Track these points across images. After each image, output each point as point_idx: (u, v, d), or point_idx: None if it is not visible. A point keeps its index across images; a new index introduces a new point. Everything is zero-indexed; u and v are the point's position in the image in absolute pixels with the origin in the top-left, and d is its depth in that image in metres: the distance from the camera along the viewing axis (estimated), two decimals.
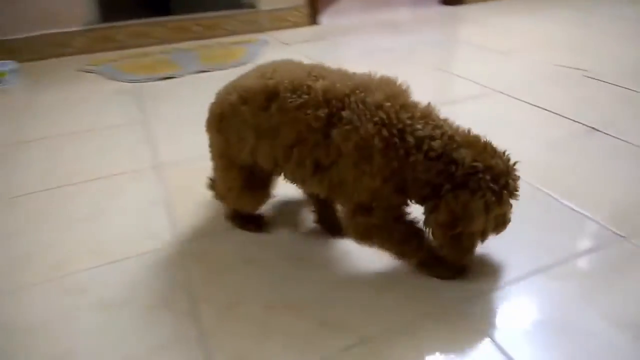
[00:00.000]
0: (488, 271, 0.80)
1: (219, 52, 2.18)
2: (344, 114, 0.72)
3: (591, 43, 2.05)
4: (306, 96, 0.74)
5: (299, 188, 0.87)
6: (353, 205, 0.75)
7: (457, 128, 0.74)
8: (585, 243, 0.86)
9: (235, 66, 1.94)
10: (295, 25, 2.59)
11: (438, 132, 0.71)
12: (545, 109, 1.39)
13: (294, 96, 0.74)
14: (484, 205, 0.70)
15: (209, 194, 0.98)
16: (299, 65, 0.83)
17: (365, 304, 0.75)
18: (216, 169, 0.89)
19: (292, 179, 0.81)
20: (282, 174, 0.82)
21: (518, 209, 0.76)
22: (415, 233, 0.76)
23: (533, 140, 1.23)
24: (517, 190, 0.73)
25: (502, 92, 1.54)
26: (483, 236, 0.75)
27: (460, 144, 0.71)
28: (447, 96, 1.57)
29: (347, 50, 2.17)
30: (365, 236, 0.77)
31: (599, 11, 2.58)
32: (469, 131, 0.74)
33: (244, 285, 0.79)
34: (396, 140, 0.70)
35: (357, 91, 0.73)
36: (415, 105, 0.74)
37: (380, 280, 0.80)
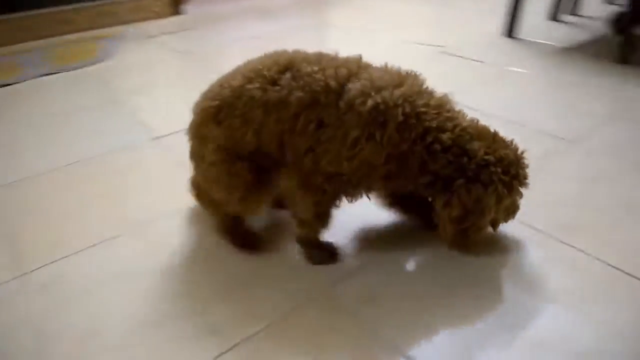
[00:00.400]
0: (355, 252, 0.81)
1: (71, 51, 1.96)
2: (365, 75, 0.70)
3: (451, 20, 2.19)
4: (325, 62, 0.72)
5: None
6: (326, 173, 0.70)
7: (471, 120, 0.73)
8: None
9: (87, 65, 1.75)
10: (159, 15, 2.42)
11: (450, 124, 0.69)
12: None
13: (311, 64, 0.72)
14: (495, 199, 0.69)
15: None
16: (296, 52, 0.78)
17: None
18: (210, 171, 0.77)
19: (291, 157, 0.73)
20: (282, 163, 0.74)
21: None
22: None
23: None
24: (526, 178, 0.72)
25: None
26: (494, 226, 0.76)
27: (472, 135, 0.69)
28: None
29: (217, 40, 2.08)
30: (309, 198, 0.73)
31: None
32: (477, 122, 0.73)
33: None
34: (413, 122, 0.67)
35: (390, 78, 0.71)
36: (430, 94, 0.72)
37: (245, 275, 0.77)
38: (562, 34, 1.85)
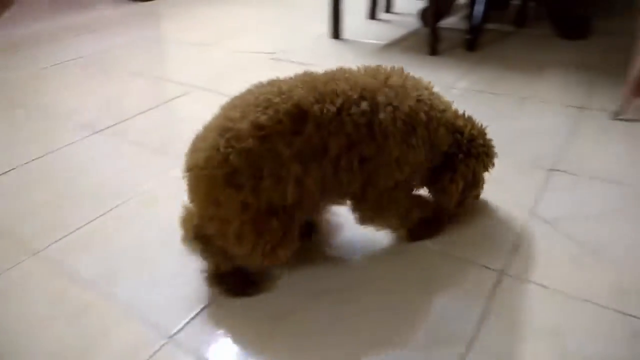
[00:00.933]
0: None
1: None
2: (380, 99, 0.70)
3: (281, 26, 2.21)
4: (339, 100, 0.68)
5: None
6: (392, 183, 0.72)
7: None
8: None
9: None
10: None
11: (441, 106, 0.76)
12: None
13: (326, 106, 0.67)
14: (483, 169, 0.81)
15: None
16: (276, 82, 0.74)
17: None
18: (234, 230, 0.66)
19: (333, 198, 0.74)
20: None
21: None
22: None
23: None
24: (493, 149, 0.83)
25: (203, 88, 1.51)
26: (478, 196, 0.86)
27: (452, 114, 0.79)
28: (147, 102, 1.45)
29: (32, 64, 1.81)
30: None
31: None
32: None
33: None
34: (432, 114, 0.73)
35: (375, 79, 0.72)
36: (418, 81, 0.77)
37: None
38: (381, 31, 1.98)
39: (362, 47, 1.81)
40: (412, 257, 0.78)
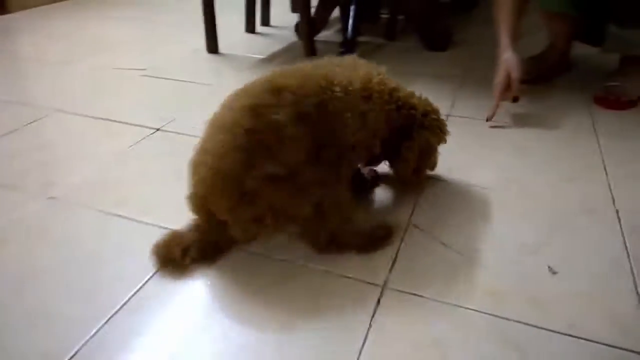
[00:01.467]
0: None
1: None
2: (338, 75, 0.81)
3: (154, 40, 2.07)
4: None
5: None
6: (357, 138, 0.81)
7: None
8: None
9: None
10: None
11: (394, 84, 0.87)
12: (108, 119, 1.30)
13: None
14: (438, 140, 0.91)
15: None
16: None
17: None
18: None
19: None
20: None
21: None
22: None
23: (97, 158, 1.11)
24: (446, 125, 0.93)
25: (63, 110, 1.35)
26: (433, 167, 0.96)
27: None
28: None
29: None
30: None
31: (164, 8, 2.67)
32: None
33: None
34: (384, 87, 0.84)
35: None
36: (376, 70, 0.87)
37: None
38: (259, 45, 1.96)
39: (240, 61, 1.76)
40: (297, 279, 0.75)
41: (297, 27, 1.96)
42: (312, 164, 0.74)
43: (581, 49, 1.53)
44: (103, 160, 1.10)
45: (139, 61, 1.74)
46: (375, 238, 0.81)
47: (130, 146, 1.16)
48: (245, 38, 2.07)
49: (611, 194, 0.94)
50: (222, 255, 0.79)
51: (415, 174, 0.91)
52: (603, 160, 1.05)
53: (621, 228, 0.84)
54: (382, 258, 0.79)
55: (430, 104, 0.92)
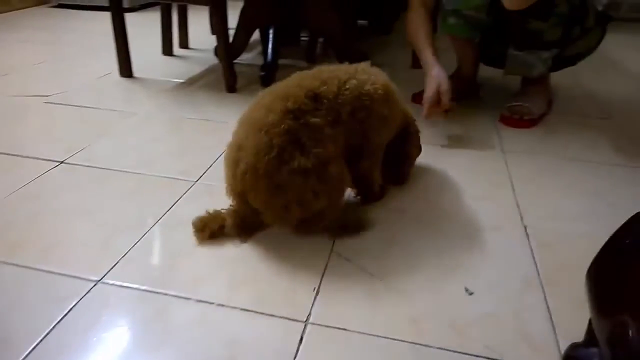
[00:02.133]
0: None
1: None
2: (361, 77, 0.92)
3: (61, 63, 1.94)
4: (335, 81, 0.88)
5: None
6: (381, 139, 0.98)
7: None
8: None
9: None
10: None
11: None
12: (3, 153, 1.17)
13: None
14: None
15: None
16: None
17: None
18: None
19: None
20: None
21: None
22: None
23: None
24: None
25: None
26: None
27: None
28: None
29: None
30: None
31: (76, 31, 2.51)
32: None
33: None
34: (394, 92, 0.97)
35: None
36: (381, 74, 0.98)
37: None
38: (177, 68, 1.90)
39: (156, 86, 1.69)
40: (215, 323, 0.70)
41: (217, 49, 1.93)
42: (339, 160, 0.85)
43: (488, 71, 1.64)
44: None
45: (43, 87, 1.62)
46: (352, 228, 0.91)
47: (28, 183, 1.05)
48: (162, 61, 1.99)
49: (519, 210, 0.99)
50: (254, 234, 0.89)
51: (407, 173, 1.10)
52: (510, 178, 1.11)
53: (530, 244, 0.88)
54: (305, 290, 0.77)
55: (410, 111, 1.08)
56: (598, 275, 0.52)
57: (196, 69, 1.88)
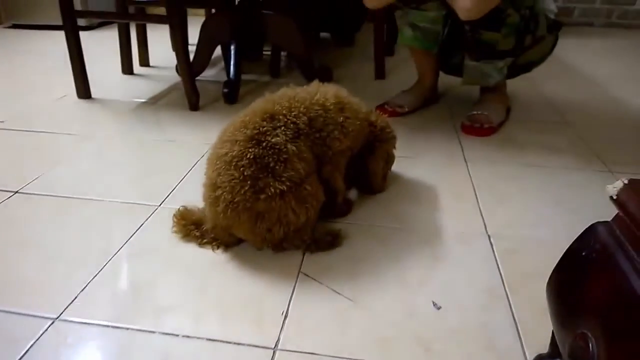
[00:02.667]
0: None
1: None
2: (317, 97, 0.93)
3: (12, 86, 1.87)
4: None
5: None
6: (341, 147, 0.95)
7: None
8: None
9: None
10: None
11: (357, 105, 0.99)
12: None
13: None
14: (393, 148, 1.10)
15: None
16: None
17: None
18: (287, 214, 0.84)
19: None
20: None
21: None
22: None
23: None
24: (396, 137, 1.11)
25: None
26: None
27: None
28: None
29: None
30: None
31: (31, 53, 2.42)
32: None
33: None
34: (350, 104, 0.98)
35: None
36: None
37: None
38: (139, 87, 1.86)
39: (115, 106, 1.64)
40: (182, 356, 0.68)
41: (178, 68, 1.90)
42: (311, 176, 0.88)
43: (449, 79, 1.67)
44: None
45: None
46: (326, 241, 0.91)
47: None
48: (123, 80, 1.95)
49: (483, 219, 1.00)
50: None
51: (382, 181, 1.10)
52: (474, 187, 1.13)
53: (494, 254, 0.90)
54: (273, 315, 0.75)
55: (384, 119, 1.07)
56: (557, 289, 0.53)
57: (158, 88, 1.85)
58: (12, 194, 1.09)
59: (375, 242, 0.93)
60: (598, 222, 0.52)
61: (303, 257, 0.88)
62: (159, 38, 2.34)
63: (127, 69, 1.99)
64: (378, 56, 1.95)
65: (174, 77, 1.94)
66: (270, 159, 0.82)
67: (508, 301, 0.78)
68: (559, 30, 1.44)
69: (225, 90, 1.63)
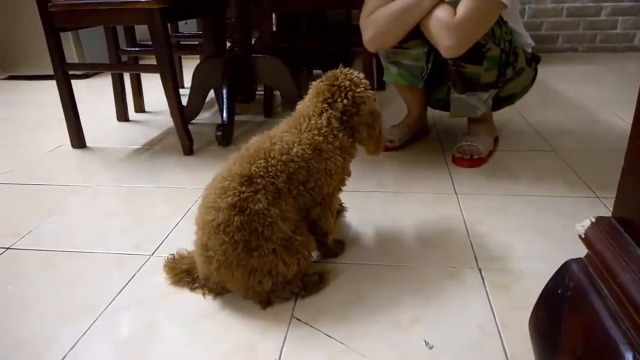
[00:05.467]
0: None
1: None
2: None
3: (11, 136, 1.90)
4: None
5: None
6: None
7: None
8: None
9: None
10: None
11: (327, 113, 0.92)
12: None
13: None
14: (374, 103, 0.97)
15: None
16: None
17: None
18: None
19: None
20: None
21: None
22: None
23: None
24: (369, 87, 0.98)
25: None
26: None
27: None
28: None
29: None
30: None
31: (23, 104, 2.48)
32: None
33: None
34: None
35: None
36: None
37: None
38: (133, 134, 1.89)
39: (110, 155, 1.67)
40: None
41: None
42: (301, 228, 0.88)
43: (438, 111, 1.71)
44: None
45: None
46: (313, 283, 0.91)
47: None
48: (117, 127, 1.99)
49: (474, 253, 1.01)
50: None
51: (377, 146, 1.00)
52: (464, 220, 1.14)
53: (485, 288, 0.90)
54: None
55: (353, 81, 0.92)
56: (537, 327, 0.53)
57: (153, 133, 1.88)
58: (3, 250, 1.09)
59: (367, 281, 0.93)
60: (572, 260, 0.53)
61: (295, 302, 0.88)
62: (153, 83, 2.39)
63: (122, 116, 2.04)
64: None
65: (169, 122, 1.96)
66: (257, 224, 0.81)
67: (500, 337, 0.78)
68: (538, 63, 1.48)
69: (219, 133, 1.66)
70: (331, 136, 0.90)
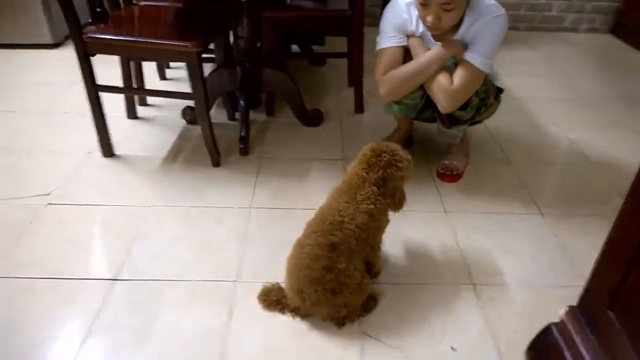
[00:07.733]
0: None
1: None
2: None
3: (32, 152, 1.97)
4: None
5: None
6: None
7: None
8: None
9: None
10: None
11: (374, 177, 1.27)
12: (49, 277, 1.35)
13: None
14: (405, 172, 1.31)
15: None
16: None
17: None
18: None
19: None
20: None
21: None
22: None
23: None
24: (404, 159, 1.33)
25: None
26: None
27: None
28: None
29: None
30: None
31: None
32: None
33: None
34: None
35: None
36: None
37: None
38: (150, 136, 2.01)
39: (144, 165, 1.82)
40: None
41: (185, 112, 2.11)
42: (364, 269, 1.25)
43: (422, 126, 2.06)
44: None
45: (33, 187, 1.69)
46: (370, 306, 1.30)
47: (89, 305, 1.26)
48: (131, 127, 2.10)
49: (466, 266, 1.45)
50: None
51: (400, 201, 1.30)
52: (456, 236, 1.56)
53: (478, 301, 1.34)
54: None
55: (394, 156, 1.27)
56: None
57: (171, 136, 2.02)
58: (112, 282, 1.33)
59: (400, 299, 1.34)
60: (552, 323, 0.96)
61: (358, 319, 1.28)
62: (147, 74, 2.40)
63: (132, 113, 2.14)
64: (357, 90, 2.28)
65: (178, 121, 2.12)
66: (341, 277, 1.16)
67: (499, 353, 1.24)
68: (502, 93, 1.86)
69: (242, 146, 1.90)
70: (378, 202, 1.25)
